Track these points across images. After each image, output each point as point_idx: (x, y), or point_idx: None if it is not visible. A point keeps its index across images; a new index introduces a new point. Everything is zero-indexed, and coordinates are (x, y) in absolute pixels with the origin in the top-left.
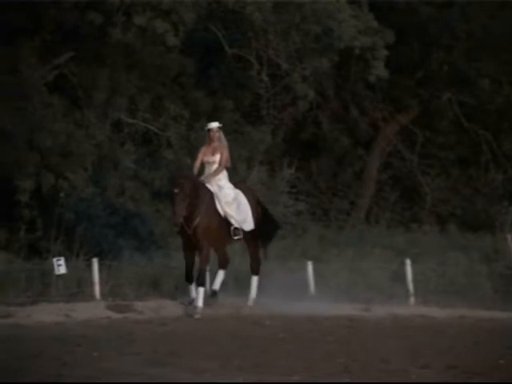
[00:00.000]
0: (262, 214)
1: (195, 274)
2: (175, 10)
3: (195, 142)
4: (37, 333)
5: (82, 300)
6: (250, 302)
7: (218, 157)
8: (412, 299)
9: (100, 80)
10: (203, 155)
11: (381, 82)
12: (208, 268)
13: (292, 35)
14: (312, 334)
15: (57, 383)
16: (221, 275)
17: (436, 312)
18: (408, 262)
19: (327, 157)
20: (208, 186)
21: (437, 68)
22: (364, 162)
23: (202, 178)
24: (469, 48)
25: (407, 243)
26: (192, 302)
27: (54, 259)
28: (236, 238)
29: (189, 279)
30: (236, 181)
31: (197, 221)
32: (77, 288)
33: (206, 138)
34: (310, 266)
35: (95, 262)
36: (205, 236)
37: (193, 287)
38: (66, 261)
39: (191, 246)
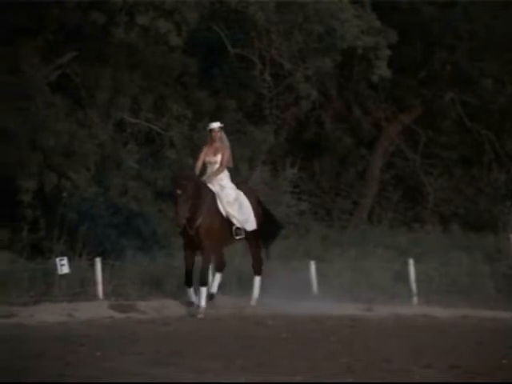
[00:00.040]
0: (262, 214)
1: (195, 276)
2: (178, 9)
3: (198, 141)
4: (40, 332)
5: (85, 300)
6: (253, 302)
7: (219, 157)
8: (415, 299)
9: (103, 80)
10: (205, 155)
11: (383, 82)
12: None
13: (295, 35)
14: (315, 333)
15: (60, 383)
16: (218, 278)
17: (439, 312)
18: (411, 261)
19: (330, 157)
20: (210, 186)
21: (440, 68)
22: (367, 161)
23: (204, 178)
24: (472, 48)
25: (410, 243)
26: (192, 303)
27: (57, 259)
28: (238, 237)
29: (188, 283)
30: (238, 181)
31: (199, 221)
32: (80, 288)
33: (207, 138)
34: (312, 266)
35: (98, 261)
36: (207, 236)
37: (192, 291)
38: (69, 260)
39: (193, 246)
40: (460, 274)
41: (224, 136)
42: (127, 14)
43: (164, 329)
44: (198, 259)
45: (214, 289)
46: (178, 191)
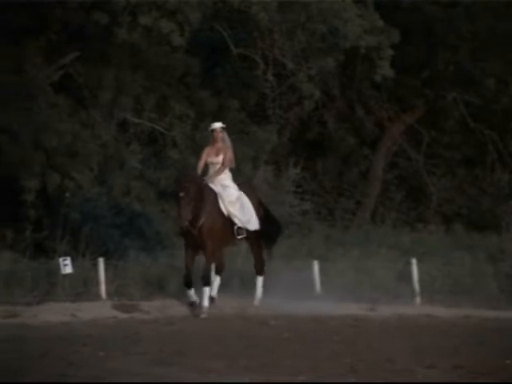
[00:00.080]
0: (263, 215)
1: (195, 277)
2: (181, 9)
3: (201, 141)
4: (43, 332)
5: (88, 300)
6: (256, 302)
7: (221, 157)
8: (418, 299)
9: (106, 80)
10: (207, 156)
11: (386, 82)
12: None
13: (297, 35)
14: (318, 333)
15: (63, 383)
16: (217, 281)
17: (442, 312)
18: (414, 261)
19: (333, 156)
20: (212, 186)
21: (442, 68)
22: (370, 161)
23: (206, 178)
24: (474, 48)
25: (413, 243)
26: (193, 303)
27: (60, 259)
28: (239, 237)
29: (187, 284)
30: (240, 181)
31: (201, 221)
32: (83, 288)
33: (210, 138)
34: (315, 266)
35: (101, 261)
36: (209, 236)
37: (192, 291)
38: (72, 260)
39: (194, 246)
40: (463, 274)
41: (226, 136)
42: (130, 14)
43: (167, 329)
44: (198, 259)
45: (214, 292)
46: (181, 193)
